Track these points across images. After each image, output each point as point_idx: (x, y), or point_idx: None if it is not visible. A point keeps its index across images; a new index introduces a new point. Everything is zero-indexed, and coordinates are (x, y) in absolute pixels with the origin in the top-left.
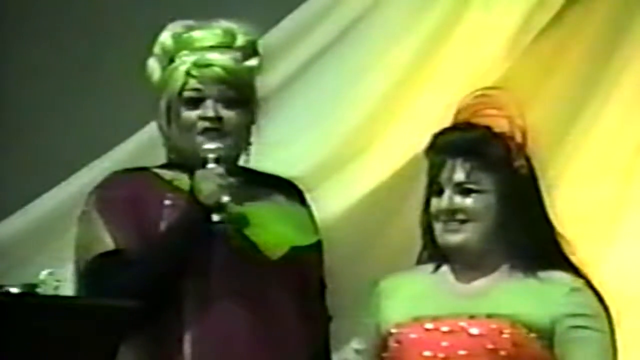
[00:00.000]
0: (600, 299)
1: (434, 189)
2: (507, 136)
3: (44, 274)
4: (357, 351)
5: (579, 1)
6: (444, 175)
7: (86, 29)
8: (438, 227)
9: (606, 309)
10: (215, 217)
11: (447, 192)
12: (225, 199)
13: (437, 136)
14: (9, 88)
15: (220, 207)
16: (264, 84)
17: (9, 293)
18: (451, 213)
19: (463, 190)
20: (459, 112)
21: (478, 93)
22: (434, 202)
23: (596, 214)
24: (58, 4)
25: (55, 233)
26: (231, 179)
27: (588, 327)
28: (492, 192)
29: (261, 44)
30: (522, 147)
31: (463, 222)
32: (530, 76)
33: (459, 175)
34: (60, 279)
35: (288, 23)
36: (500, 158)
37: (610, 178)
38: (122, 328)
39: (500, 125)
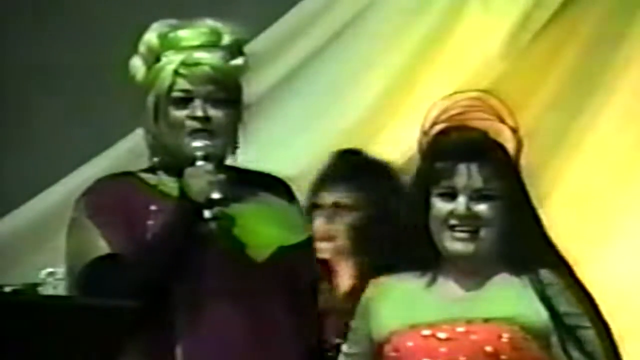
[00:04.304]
0: (591, 299)
1: (440, 192)
2: (507, 141)
3: (44, 273)
4: (346, 355)
5: (576, 2)
6: (460, 180)
7: (86, 33)
8: (446, 233)
9: (597, 307)
10: (207, 214)
11: (463, 198)
12: (216, 195)
13: (439, 138)
14: (8, 88)
15: (211, 203)
16: (261, 84)
17: (8, 293)
18: (465, 218)
19: (479, 196)
20: (447, 113)
21: (466, 96)
22: (442, 206)
23: (593, 215)
24: (59, 6)
25: (52, 233)
26: (221, 176)
27: (585, 326)
28: (502, 198)
29: (252, 43)
30: (519, 152)
31: (475, 230)
32: (527, 76)
33: (477, 182)
34: (60, 278)
35: (284, 23)
36: (506, 164)
37: (608, 177)
38: (122, 328)
39: (495, 129)
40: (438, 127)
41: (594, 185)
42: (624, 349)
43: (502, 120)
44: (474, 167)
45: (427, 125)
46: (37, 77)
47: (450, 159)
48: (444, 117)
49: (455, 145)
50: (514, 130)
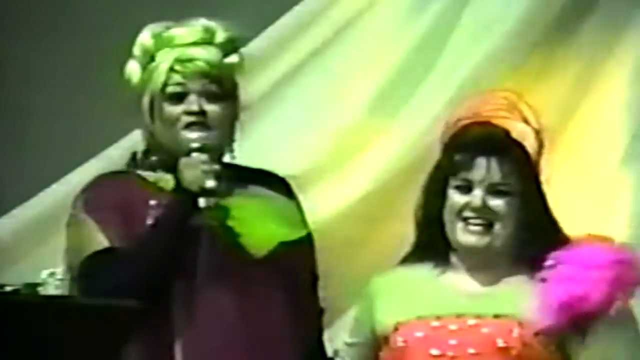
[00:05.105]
0: None
1: (457, 184)
2: (529, 142)
3: (44, 273)
4: (348, 345)
5: (576, 2)
6: (478, 173)
7: (84, 32)
8: (459, 225)
9: None
10: (202, 203)
11: (479, 191)
12: (211, 183)
13: (460, 131)
14: (7, 90)
15: (206, 192)
16: (261, 83)
17: (9, 293)
18: (480, 211)
19: (496, 190)
20: (472, 110)
21: (489, 93)
22: (457, 198)
23: (589, 213)
24: (57, 6)
25: (52, 232)
26: (215, 166)
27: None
28: (518, 195)
29: (251, 44)
30: (540, 151)
31: (489, 224)
32: (526, 74)
33: (495, 176)
34: (60, 278)
35: (284, 22)
36: (525, 163)
37: (604, 175)
38: (122, 328)
39: (518, 129)
40: (462, 122)
41: (589, 183)
42: None
43: (526, 121)
44: (493, 161)
45: (452, 120)
46: (37, 77)
47: (469, 151)
48: (469, 113)
49: (476, 138)
50: (537, 132)
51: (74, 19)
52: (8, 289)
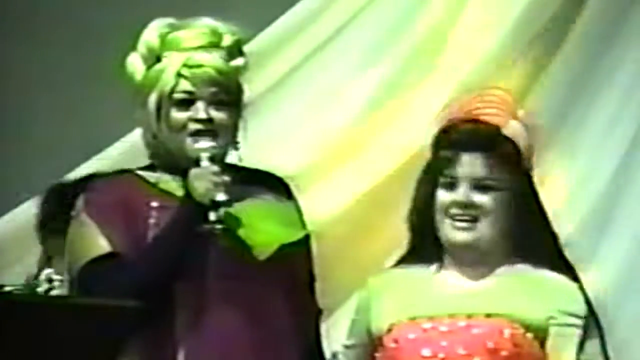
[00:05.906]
0: (590, 304)
1: (443, 182)
2: (519, 137)
3: (44, 274)
4: (346, 347)
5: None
6: (462, 169)
7: (85, 32)
8: (447, 222)
9: (595, 314)
10: (212, 216)
11: (463, 187)
12: (221, 196)
13: (448, 129)
14: (8, 90)
15: (216, 205)
16: (261, 82)
17: (8, 293)
18: (465, 207)
19: (481, 186)
20: (463, 108)
21: (481, 91)
22: (443, 196)
23: (590, 210)
24: (58, 6)
25: None
26: (226, 177)
27: (579, 326)
28: (507, 191)
29: (250, 43)
30: (531, 148)
31: (474, 220)
32: (525, 72)
33: (479, 171)
34: (60, 279)
35: (283, 22)
36: (514, 159)
37: (602, 174)
38: (122, 328)
39: (509, 126)
40: (451, 121)
41: (588, 181)
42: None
43: (518, 118)
44: (478, 157)
45: (443, 119)
46: (38, 77)
47: (454, 148)
48: (459, 112)
49: (461, 135)
50: (530, 129)
51: (75, 19)
52: (8, 289)
